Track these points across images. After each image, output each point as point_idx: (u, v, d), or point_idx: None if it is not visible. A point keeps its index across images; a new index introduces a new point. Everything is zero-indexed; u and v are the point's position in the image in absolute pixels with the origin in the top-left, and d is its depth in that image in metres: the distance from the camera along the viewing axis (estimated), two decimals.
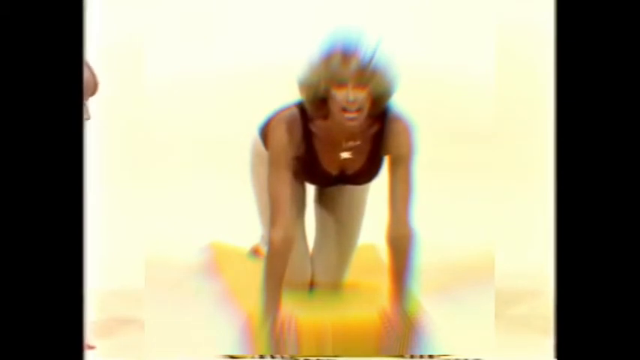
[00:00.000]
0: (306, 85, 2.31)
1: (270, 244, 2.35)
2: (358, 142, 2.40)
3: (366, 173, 2.47)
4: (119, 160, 3.62)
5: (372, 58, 2.27)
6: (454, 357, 2.38)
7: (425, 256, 2.73)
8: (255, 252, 2.83)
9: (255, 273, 2.42)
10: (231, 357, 2.38)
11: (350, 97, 2.24)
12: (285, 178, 2.36)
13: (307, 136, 2.39)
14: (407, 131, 2.39)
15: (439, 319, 2.42)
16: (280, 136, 2.37)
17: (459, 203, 3.54)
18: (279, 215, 2.35)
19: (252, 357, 2.36)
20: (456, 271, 2.88)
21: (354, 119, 2.27)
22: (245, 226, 2.68)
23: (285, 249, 2.35)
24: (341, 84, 2.25)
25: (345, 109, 2.26)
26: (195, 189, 3.62)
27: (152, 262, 2.75)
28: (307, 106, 2.34)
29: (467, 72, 3.90)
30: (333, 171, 2.46)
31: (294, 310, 2.40)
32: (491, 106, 3.47)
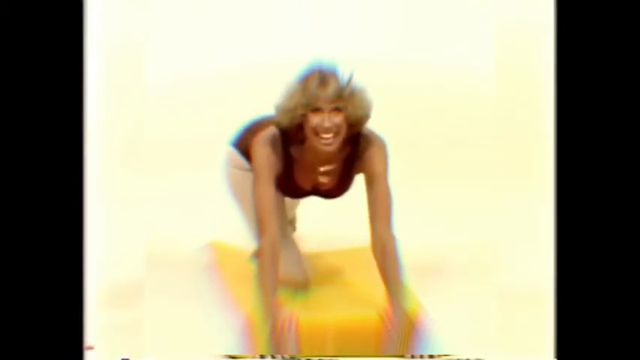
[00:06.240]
0: (283, 110, 2.35)
1: (260, 251, 2.38)
2: (332, 167, 2.45)
3: (338, 190, 2.53)
4: (119, 159, 3.61)
5: (349, 80, 2.30)
6: (454, 357, 2.38)
7: (425, 256, 2.73)
8: (257, 256, 2.83)
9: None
10: (231, 357, 2.38)
11: (326, 124, 2.28)
12: (270, 192, 2.41)
13: (286, 158, 2.43)
14: (381, 151, 2.43)
15: (439, 319, 2.42)
16: (266, 154, 2.41)
17: (459, 203, 3.53)
18: (266, 225, 2.38)
19: (253, 357, 2.36)
20: (456, 270, 2.88)
21: (330, 144, 2.31)
22: (245, 226, 2.67)
23: (275, 253, 2.37)
24: (317, 109, 2.28)
25: (321, 134, 2.29)
26: (195, 189, 3.61)
27: (152, 261, 2.75)
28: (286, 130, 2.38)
29: (467, 72, 3.90)
30: (307, 187, 2.52)
31: (295, 310, 2.40)
32: (491, 106, 3.47)
